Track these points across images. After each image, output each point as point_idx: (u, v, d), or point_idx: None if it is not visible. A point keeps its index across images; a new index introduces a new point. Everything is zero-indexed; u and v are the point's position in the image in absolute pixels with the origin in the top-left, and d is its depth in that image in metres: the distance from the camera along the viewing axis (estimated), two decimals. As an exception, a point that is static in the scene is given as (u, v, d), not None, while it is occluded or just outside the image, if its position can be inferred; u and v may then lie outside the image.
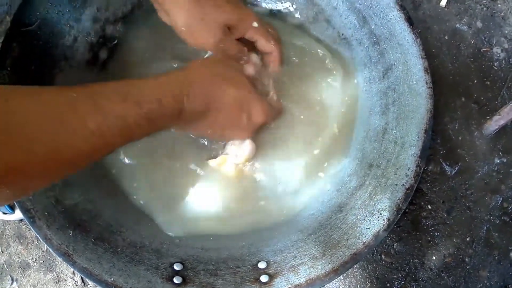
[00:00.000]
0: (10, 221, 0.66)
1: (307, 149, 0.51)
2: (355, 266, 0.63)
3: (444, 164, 0.65)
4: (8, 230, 0.67)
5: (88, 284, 0.65)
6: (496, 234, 0.63)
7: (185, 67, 0.42)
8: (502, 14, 0.70)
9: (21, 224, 0.66)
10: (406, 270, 0.62)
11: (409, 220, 0.64)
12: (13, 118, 0.28)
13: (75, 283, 0.65)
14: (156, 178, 0.51)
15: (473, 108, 0.67)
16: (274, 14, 0.59)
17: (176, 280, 0.42)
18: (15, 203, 0.52)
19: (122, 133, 0.33)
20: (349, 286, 0.63)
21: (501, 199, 0.64)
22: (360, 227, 0.43)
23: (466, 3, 0.70)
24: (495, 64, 0.68)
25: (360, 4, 0.51)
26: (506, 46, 0.68)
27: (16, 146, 0.27)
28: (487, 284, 0.62)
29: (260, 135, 0.50)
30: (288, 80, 0.54)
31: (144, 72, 0.54)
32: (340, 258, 0.41)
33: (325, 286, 0.48)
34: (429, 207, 0.64)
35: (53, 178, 0.32)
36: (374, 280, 0.62)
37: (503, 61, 0.68)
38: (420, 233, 0.63)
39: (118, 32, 0.55)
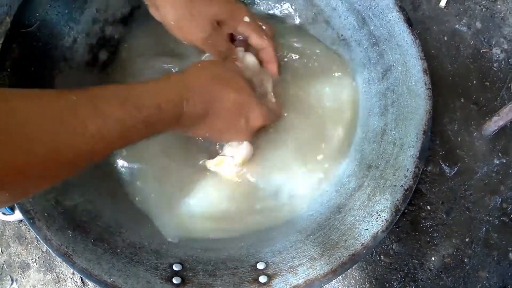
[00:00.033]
0: (10, 221, 0.66)
1: (306, 152, 0.51)
2: (354, 267, 0.63)
3: (443, 165, 0.65)
4: (8, 230, 0.67)
5: (88, 285, 0.65)
6: (495, 235, 0.63)
7: (184, 70, 0.42)
8: (502, 15, 0.70)
9: (21, 224, 0.67)
10: (405, 271, 0.63)
11: (408, 220, 0.64)
12: (13, 118, 0.28)
13: (74, 283, 0.65)
14: (154, 179, 0.51)
15: (472, 109, 0.67)
16: (273, 15, 0.59)
17: (175, 280, 0.43)
18: (15, 204, 0.52)
19: (121, 136, 0.33)
20: (348, 286, 0.63)
21: (500, 199, 0.64)
22: (358, 228, 0.43)
23: (465, 4, 0.70)
24: (495, 65, 0.68)
25: (359, 5, 0.51)
26: (505, 46, 0.69)
27: (16, 146, 0.28)
28: (486, 284, 0.62)
29: (259, 138, 0.50)
30: (287, 82, 0.54)
31: (144, 73, 0.54)
32: (338, 259, 0.41)
33: (323, 286, 0.49)
34: (428, 207, 0.64)
35: (53, 179, 0.33)
36: (373, 280, 0.62)
37: (503, 62, 0.68)
38: (419, 233, 0.63)
39: (117, 33, 0.56)
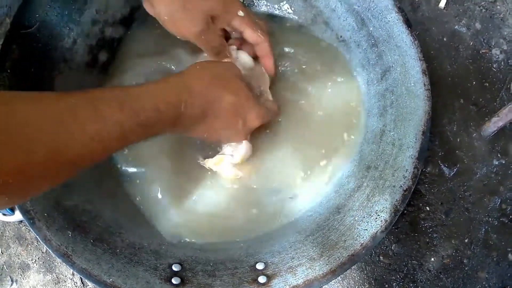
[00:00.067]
0: (10, 222, 0.66)
1: (307, 153, 0.51)
2: (353, 267, 0.63)
3: (442, 166, 0.65)
4: (8, 231, 0.67)
5: (88, 285, 0.65)
6: (495, 236, 0.63)
7: (183, 71, 0.42)
8: (501, 15, 0.70)
9: (20, 225, 0.67)
10: (404, 272, 0.63)
11: (407, 221, 0.64)
12: (13, 119, 0.28)
13: (74, 284, 0.65)
14: (154, 179, 0.51)
15: (471, 109, 0.67)
16: (272, 16, 0.59)
17: (175, 281, 0.43)
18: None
19: (120, 138, 0.34)
20: (347, 287, 0.63)
21: (499, 200, 0.64)
22: (357, 228, 0.43)
23: (465, 4, 0.70)
24: (494, 65, 0.68)
25: (358, 6, 0.51)
26: (505, 47, 0.69)
27: (16, 146, 0.28)
28: (486, 285, 0.62)
29: (258, 140, 0.50)
30: (287, 83, 0.54)
31: (144, 74, 0.54)
32: (337, 259, 0.42)
33: (323, 287, 0.49)
34: (428, 208, 0.64)
35: (53, 180, 0.33)
36: (372, 281, 0.62)
37: (502, 63, 0.68)
38: (418, 234, 0.63)
39: (117, 34, 0.56)
